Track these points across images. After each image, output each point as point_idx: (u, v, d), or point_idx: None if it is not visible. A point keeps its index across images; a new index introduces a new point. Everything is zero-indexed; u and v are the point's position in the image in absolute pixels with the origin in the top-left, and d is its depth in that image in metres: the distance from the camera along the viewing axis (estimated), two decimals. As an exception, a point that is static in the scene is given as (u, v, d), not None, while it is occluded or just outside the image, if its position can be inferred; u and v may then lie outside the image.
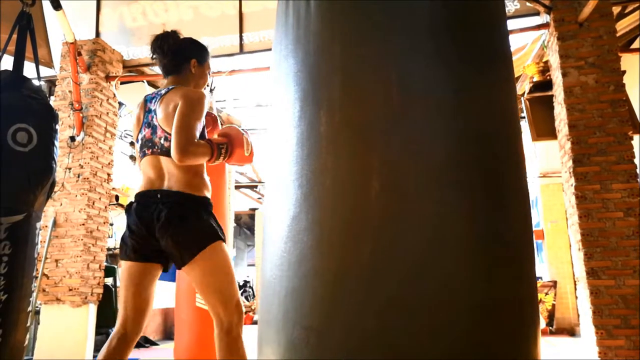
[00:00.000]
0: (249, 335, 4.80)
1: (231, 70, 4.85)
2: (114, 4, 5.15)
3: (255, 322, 11.18)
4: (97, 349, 4.95)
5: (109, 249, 5.71)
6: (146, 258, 1.95)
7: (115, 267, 4.81)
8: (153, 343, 8.43)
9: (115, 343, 1.96)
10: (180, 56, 2.15)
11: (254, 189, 12.63)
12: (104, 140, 4.82)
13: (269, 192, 1.05)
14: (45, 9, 4.38)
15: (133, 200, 2.00)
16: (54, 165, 2.71)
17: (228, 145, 2.04)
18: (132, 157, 8.56)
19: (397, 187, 0.86)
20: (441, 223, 0.86)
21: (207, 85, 4.78)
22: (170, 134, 1.93)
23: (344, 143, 0.92)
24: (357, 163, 0.89)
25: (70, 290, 4.26)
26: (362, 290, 0.85)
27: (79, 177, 4.51)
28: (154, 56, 2.19)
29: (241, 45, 4.79)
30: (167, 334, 9.76)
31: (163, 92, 2.06)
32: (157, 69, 5.38)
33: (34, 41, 2.91)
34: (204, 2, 4.92)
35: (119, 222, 7.66)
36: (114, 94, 5.01)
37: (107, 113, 4.93)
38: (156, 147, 2.02)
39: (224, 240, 1.91)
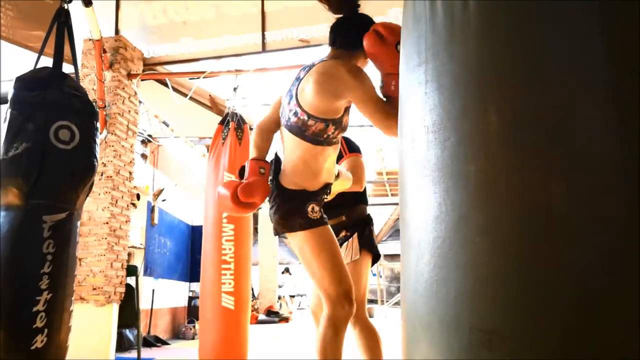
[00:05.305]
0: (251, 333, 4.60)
1: (255, 69, 4.82)
2: (134, 2, 5.12)
3: (259, 322, 9.50)
4: (116, 348, 4.91)
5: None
6: None
7: (137, 266, 4.77)
8: (164, 342, 8.40)
9: None
10: (357, 35, 1.92)
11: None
12: (125, 139, 4.80)
13: (414, 191, 1.01)
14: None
15: None
16: (96, 163, 2.68)
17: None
18: (144, 156, 8.53)
19: (584, 189, 0.85)
20: (624, 225, 0.83)
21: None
22: (304, 111, 1.84)
23: (520, 142, 0.89)
24: (538, 162, 0.87)
25: (94, 289, 4.23)
26: (550, 295, 0.83)
27: (102, 175, 4.48)
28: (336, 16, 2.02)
29: (264, 43, 4.78)
30: (176, 334, 9.73)
31: (317, 61, 1.94)
32: (177, 68, 5.35)
33: (72, 38, 2.88)
34: (226, 1, 4.90)
35: (134, 221, 7.62)
36: (135, 92, 4.99)
37: (129, 111, 4.90)
38: (284, 119, 1.94)
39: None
